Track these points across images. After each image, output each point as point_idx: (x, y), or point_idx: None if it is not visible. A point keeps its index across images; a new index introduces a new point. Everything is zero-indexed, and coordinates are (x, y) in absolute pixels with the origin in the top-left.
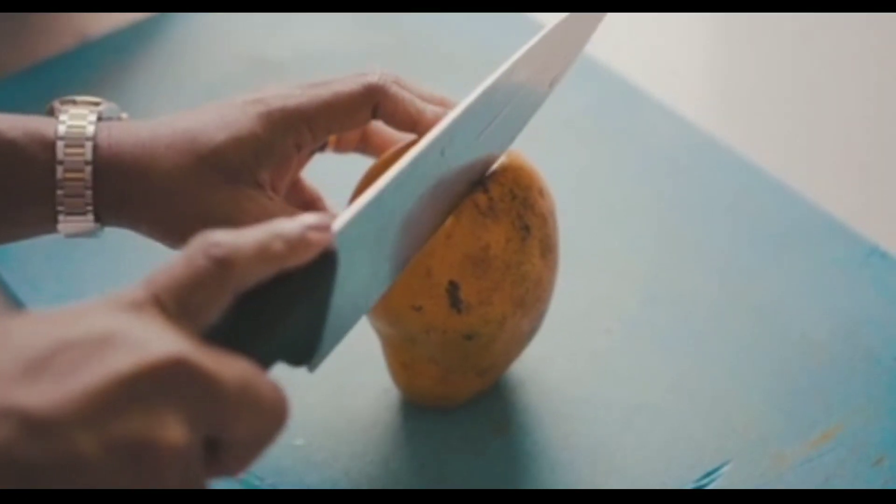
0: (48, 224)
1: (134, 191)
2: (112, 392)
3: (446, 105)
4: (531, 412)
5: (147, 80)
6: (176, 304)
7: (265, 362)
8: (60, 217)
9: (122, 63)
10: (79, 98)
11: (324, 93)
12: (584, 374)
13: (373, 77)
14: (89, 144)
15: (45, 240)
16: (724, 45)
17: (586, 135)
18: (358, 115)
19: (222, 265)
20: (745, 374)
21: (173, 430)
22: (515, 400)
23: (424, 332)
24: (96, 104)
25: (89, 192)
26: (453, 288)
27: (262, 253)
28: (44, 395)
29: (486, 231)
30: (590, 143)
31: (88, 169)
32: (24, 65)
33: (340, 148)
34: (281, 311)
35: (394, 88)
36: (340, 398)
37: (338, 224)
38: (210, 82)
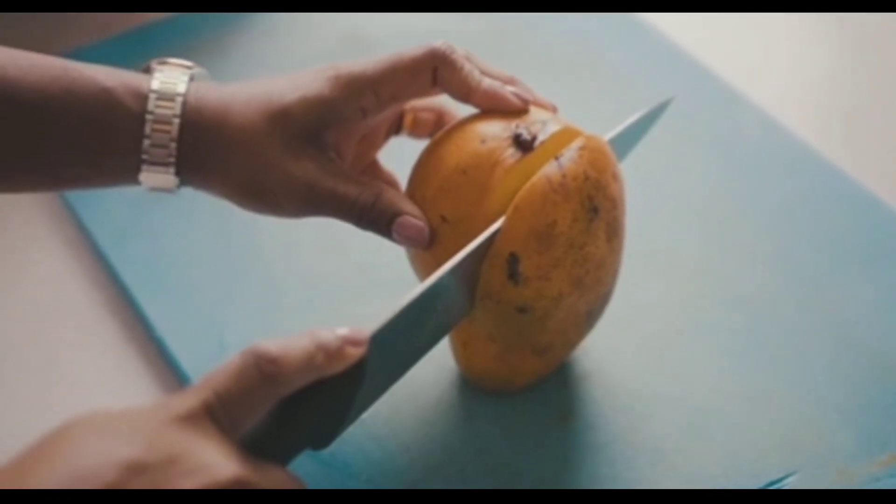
0: (131, 175)
1: (210, 144)
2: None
3: (515, 83)
4: (595, 404)
5: (245, 51)
6: (225, 414)
7: (293, 452)
8: (144, 167)
9: (221, 33)
10: (173, 60)
11: (389, 57)
12: (651, 372)
13: (437, 43)
14: (179, 99)
15: (132, 199)
16: (827, 51)
17: (678, 133)
18: (419, 79)
19: (272, 380)
20: (818, 386)
21: None
22: (580, 391)
23: (479, 298)
24: (189, 67)
25: (174, 145)
26: (513, 259)
27: (307, 366)
28: None
29: (554, 208)
30: (681, 141)
31: (176, 122)
32: (126, 27)
33: (416, 131)
34: (310, 411)
35: (455, 55)
36: (406, 375)
37: (371, 330)
38: (306, 56)
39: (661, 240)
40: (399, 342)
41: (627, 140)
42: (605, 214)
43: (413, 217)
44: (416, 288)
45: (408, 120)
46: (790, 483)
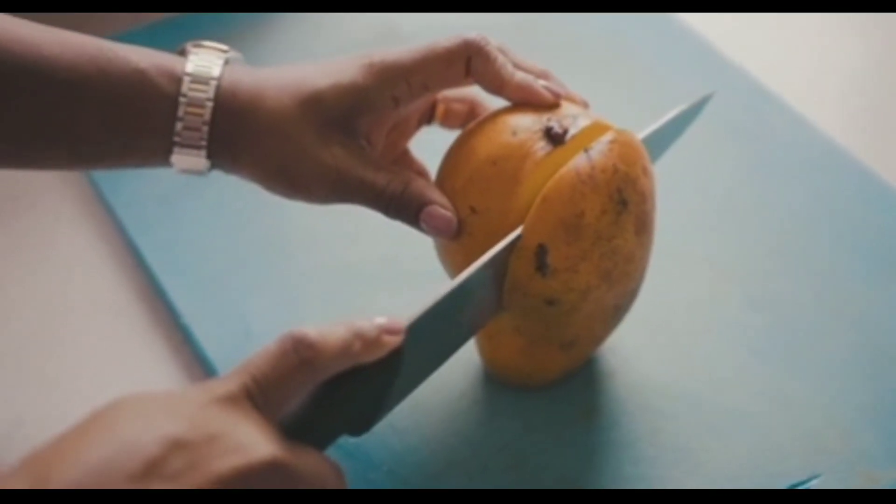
0: (162, 156)
1: (242, 128)
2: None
3: (548, 77)
4: (619, 402)
5: (279, 40)
6: (263, 397)
7: (330, 437)
8: (175, 149)
9: (254, 22)
10: (208, 43)
11: (422, 47)
12: (677, 372)
13: (472, 35)
14: (213, 83)
15: (161, 185)
16: (855, 49)
17: (705, 129)
18: (452, 69)
19: (309, 365)
20: (843, 388)
21: None
22: (605, 388)
23: (507, 291)
24: (224, 51)
25: (206, 128)
26: (541, 251)
27: (344, 352)
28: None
29: (583, 199)
30: (708, 137)
31: (209, 105)
32: (160, 17)
33: (448, 122)
34: (347, 397)
35: (489, 47)
36: None
37: (408, 320)
38: (339, 48)
39: (688, 237)
40: (434, 334)
41: (667, 135)
42: (634, 208)
43: (441, 207)
44: (451, 280)
45: (440, 110)
46: (814, 486)
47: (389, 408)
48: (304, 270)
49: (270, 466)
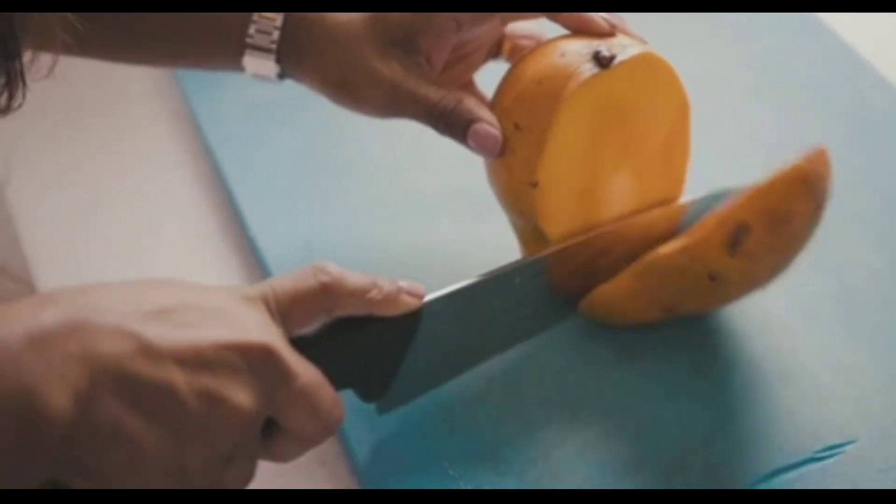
0: (235, 58)
1: (309, 35)
2: (210, 352)
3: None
4: (664, 349)
5: None
6: (278, 308)
7: (337, 383)
8: (247, 52)
9: None
10: None
11: None
12: (727, 325)
13: None
14: None
15: (245, 102)
16: None
17: (802, 98)
18: None
19: (325, 291)
20: (894, 356)
21: (244, 397)
22: (651, 335)
23: (687, 260)
24: None
25: (277, 33)
26: (741, 231)
27: (360, 293)
28: (160, 333)
29: (796, 200)
30: (804, 106)
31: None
32: None
33: (514, 58)
34: (360, 346)
35: None
36: None
37: (429, 296)
38: None
39: None
40: (463, 327)
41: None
42: (824, 214)
43: (488, 124)
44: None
45: (507, 46)
46: (849, 450)
47: (410, 391)
48: (371, 194)
49: (266, 352)
